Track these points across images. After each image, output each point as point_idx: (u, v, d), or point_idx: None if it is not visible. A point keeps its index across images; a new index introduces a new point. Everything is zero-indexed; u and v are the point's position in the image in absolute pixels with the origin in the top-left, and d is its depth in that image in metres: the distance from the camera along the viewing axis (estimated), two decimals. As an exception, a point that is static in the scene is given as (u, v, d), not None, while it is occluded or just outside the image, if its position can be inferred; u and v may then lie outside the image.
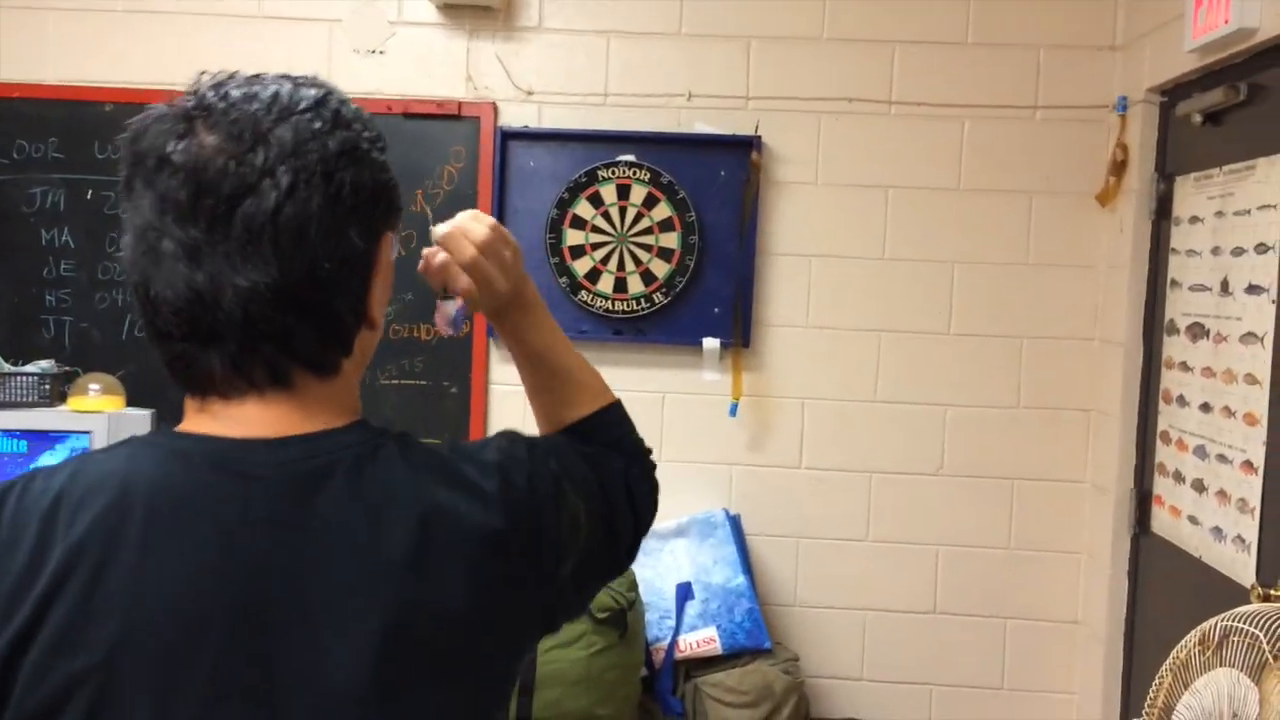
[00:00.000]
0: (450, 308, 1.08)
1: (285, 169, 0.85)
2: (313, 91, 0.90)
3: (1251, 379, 2.32)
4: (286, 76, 0.92)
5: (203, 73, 0.91)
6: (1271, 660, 1.35)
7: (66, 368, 3.03)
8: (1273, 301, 2.24)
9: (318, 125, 0.88)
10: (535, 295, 1.18)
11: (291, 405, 0.89)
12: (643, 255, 3.08)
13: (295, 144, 0.86)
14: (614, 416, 1.21)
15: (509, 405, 3.13)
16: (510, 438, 1.01)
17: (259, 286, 0.84)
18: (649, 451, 1.20)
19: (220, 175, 0.84)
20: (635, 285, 3.09)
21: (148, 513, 0.83)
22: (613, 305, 3.09)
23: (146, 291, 0.86)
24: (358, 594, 0.84)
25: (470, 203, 3.09)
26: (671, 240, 3.08)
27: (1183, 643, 1.54)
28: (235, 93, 0.88)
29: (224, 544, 0.83)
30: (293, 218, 0.85)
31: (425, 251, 1.08)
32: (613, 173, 3.07)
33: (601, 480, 1.07)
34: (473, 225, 1.07)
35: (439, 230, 1.08)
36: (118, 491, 0.84)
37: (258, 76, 0.91)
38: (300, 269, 0.85)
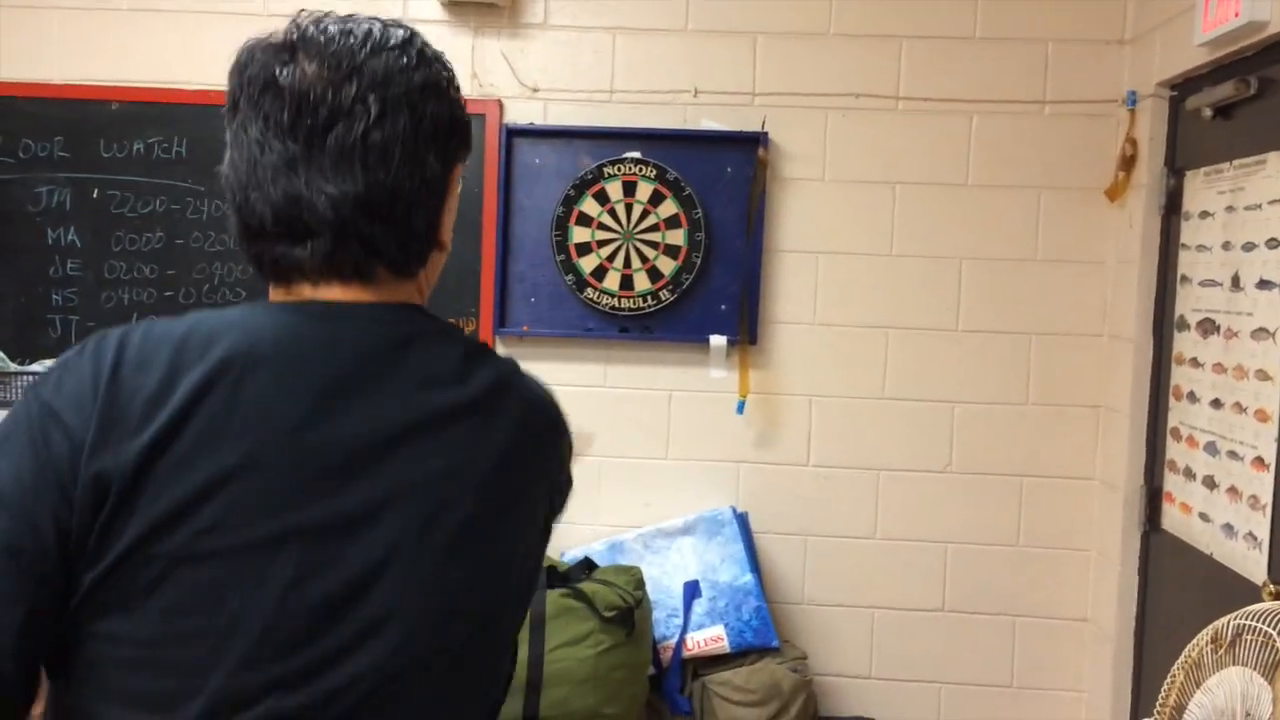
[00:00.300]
0: None
1: (375, 97, 0.97)
2: (401, 31, 1.02)
3: (1263, 375, 2.30)
4: (376, 18, 1.03)
5: (302, 10, 1.02)
6: (1285, 659, 1.34)
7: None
8: (1284, 297, 2.22)
9: (404, 61, 1.00)
10: None
11: (370, 290, 1.01)
12: (649, 252, 3.07)
13: (385, 75, 0.98)
14: None
15: (515, 403, 3.12)
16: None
17: (348, 195, 0.96)
18: None
19: (319, 100, 0.96)
20: (641, 282, 3.08)
21: (274, 348, 0.95)
22: (619, 303, 3.08)
23: (246, 199, 0.98)
24: (447, 440, 0.97)
25: (476, 200, 3.09)
26: (678, 237, 3.06)
27: (1195, 641, 1.52)
28: (333, 28, 1.00)
29: (338, 381, 0.95)
30: (379, 140, 0.97)
31: None
32: (619, 169, 3.06)
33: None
34: None
35: None
36: (244, 330, 0.95)
37: (352, 15, 1.02)
38: (385, 183, 0.98)
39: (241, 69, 1.00)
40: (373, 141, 0.97)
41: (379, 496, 0.94)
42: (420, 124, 0.99)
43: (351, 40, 0.98)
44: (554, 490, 1.10)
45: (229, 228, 1.03)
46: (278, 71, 0.97)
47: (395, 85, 0.98)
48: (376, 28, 1.01)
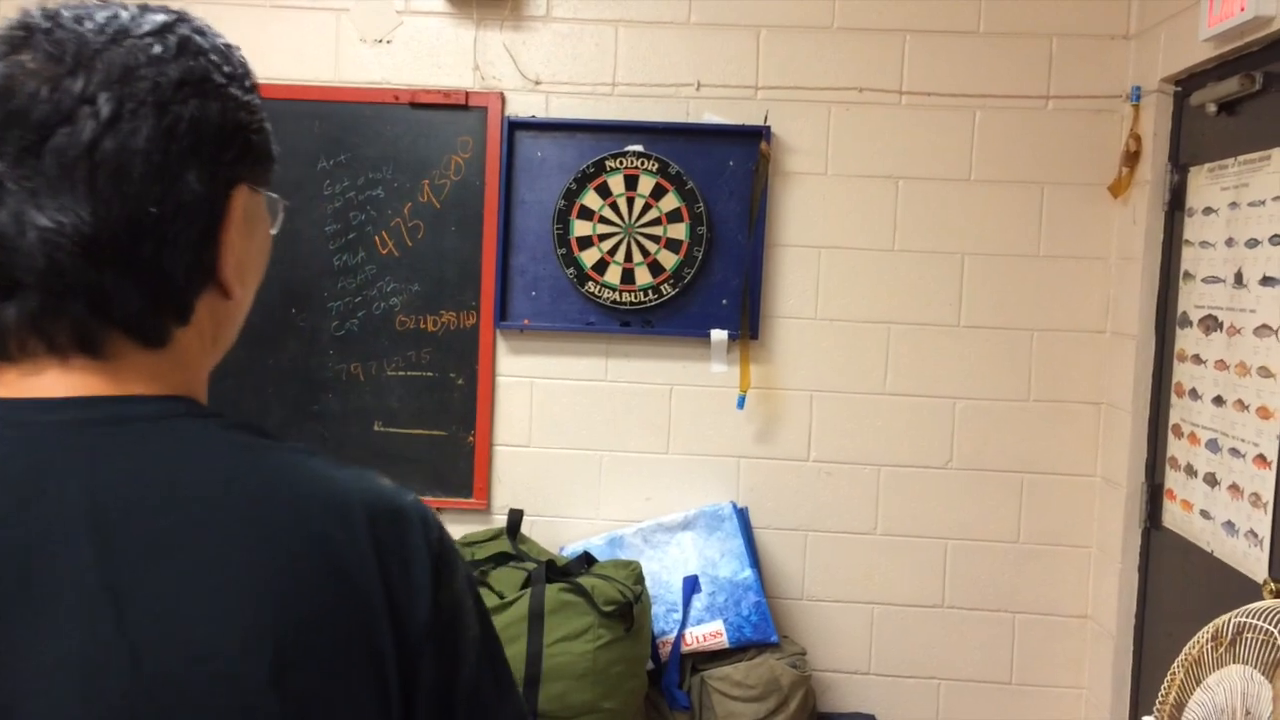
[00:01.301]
0: None
1: (108, 96, 0.73)
2: (160, 16, 0.78)
3: (1265, 372, 2.29)
4: (141, 2, 0.80)
5: None
6: (1285, 657, 1.33)
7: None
8: (1287, 294, 2.21)
9: (157, 50, 0.76)
10: None
11: (101, 373, 0.74)
12: (650, 246, 3.07)
13: (124, 69, 0.74)
14: None
15: (516, 396, 3.12)
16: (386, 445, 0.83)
17: (65, 229, 0.71)
18: None
19: (30, 100, 0.72)
20: (643, 276, 3.07)
21: None
22: (620, 297, 3.08)
23: None
24: (101, 595, 0.68)
25: (477, 193, 3.08)
26: (679, 231, 3.06)
27: (1195, 639, 1.52)
28: (66, 14, 0.76)
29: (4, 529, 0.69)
30: (112, 153, 0.73)
31: None
32: (621, 163, 3.05)
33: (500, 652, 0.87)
34: None
35: None
36: None
37: (105, 2, 0.79)
38: (119, 213, 0.73)
39: None
40: (103, 154, 0.72)
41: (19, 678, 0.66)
42: (174, 131, 0.75)
43: (86, 26, 0.75)
44: (409, 642, 0.74)
45: None
46: None
47: (139, 81, 0.74)
48: (126, 13, 0.78)
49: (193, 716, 0.67)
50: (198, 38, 0.79)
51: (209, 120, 0.77)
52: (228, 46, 0.82)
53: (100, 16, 0.76)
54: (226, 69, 0.80)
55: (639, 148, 3.05)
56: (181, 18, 0.80)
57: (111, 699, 0.66)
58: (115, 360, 0.75)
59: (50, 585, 0.67)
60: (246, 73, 0.83)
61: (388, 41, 3.10)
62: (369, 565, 0.73)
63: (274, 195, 0.86)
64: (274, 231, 0.87)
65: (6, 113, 0.73)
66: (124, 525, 0.69)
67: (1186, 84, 2.74)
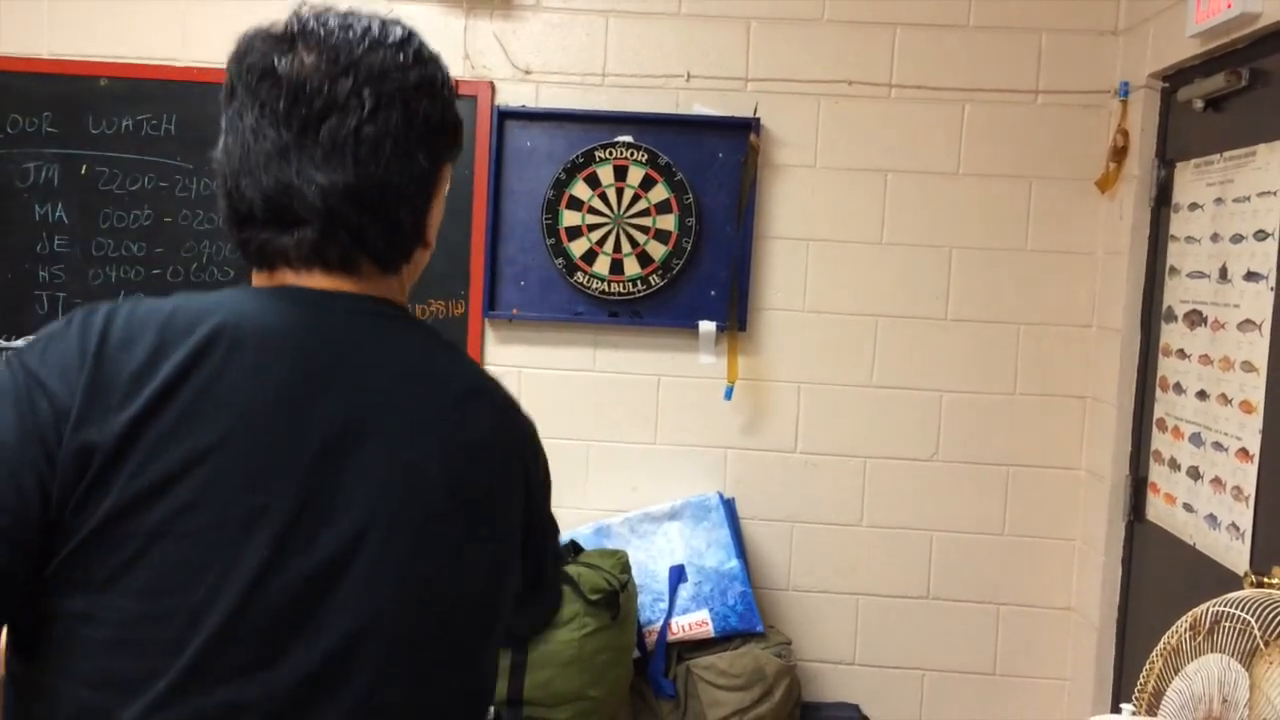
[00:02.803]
0: None
1: (370, 92, 0.99)
2: (399, 29, 1.04)
3: (1249, 366, 2.31)
4: (376, 14, 1.05)
5: (304, 3, 1.05)
6: (1263, 646, 1.34)
7: (59, 344, 3.02)
8: (1271, 289, 2.23)
9: (401, 58, 1.02)
10: None
11: (354, 282, 1.03)
12: (639, 237, 3.07)
13: (381, 71, 1.00)
14: None
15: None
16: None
17: (337, 185, 0.98)
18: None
19: (315, 91, 0.98)
20: (632, 267, 3.07)
21: (257, 331, 0.96)
22: (609, 287, 3.08)
23: (237, 185, 0.99)
24: (423, 431, 1.00)
25: (467, 183, 3.08)
26: (669, 222, 3.06)
27: (1174, 628, 1.53)
28: (333, 22, 1.02)
29: (317, 368, 0.97)
30: (372, 134, 0.99)
31: None
32: (610, 154, 3.05)
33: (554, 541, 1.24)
34: None
35: None
36: (228, 313, 0.97)
37: (352, 11, 1.04)
38: (374, 176, 0.99)
39: (241, 57, 1.02)
40: (365, 135, 0.98)
41: (351, 483, 0.95)
42: (412, 121, 1.01)
43: (351, 35, 1.00)
44: (530, 498, 1.10)
45: (218, 211, 1.04)
46: (276, 61, 0.99)
47: (390, 81, 1.00)
48: (376, 24, 1.02)
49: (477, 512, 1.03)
50: (424, 50, 1.05)
51: (434, 115, 1.03)
52: (439, 56, 1.07)
53: (359, 26, 1.01)
54: (442, 75, 1.06)
55: (628, 138, 3.05)
56: (413, 32, 1.05)
57: (420, 501, 0.98)
58: (365, 278, 1.03)
59: (364, 417, 0.98)
60: (449, 76, 1.08)
61: (378, 29, 3.09)
62: (530, 448, 1.12)
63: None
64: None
65: (295, 97, 0.98)
66: (397, 385, 1.00)
67: (1174, 80, 2.76)
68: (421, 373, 1.02)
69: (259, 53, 1.00)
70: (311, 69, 0.98)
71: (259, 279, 1.04)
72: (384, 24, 1.03)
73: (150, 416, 0.90)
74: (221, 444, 0.91)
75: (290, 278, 1.02)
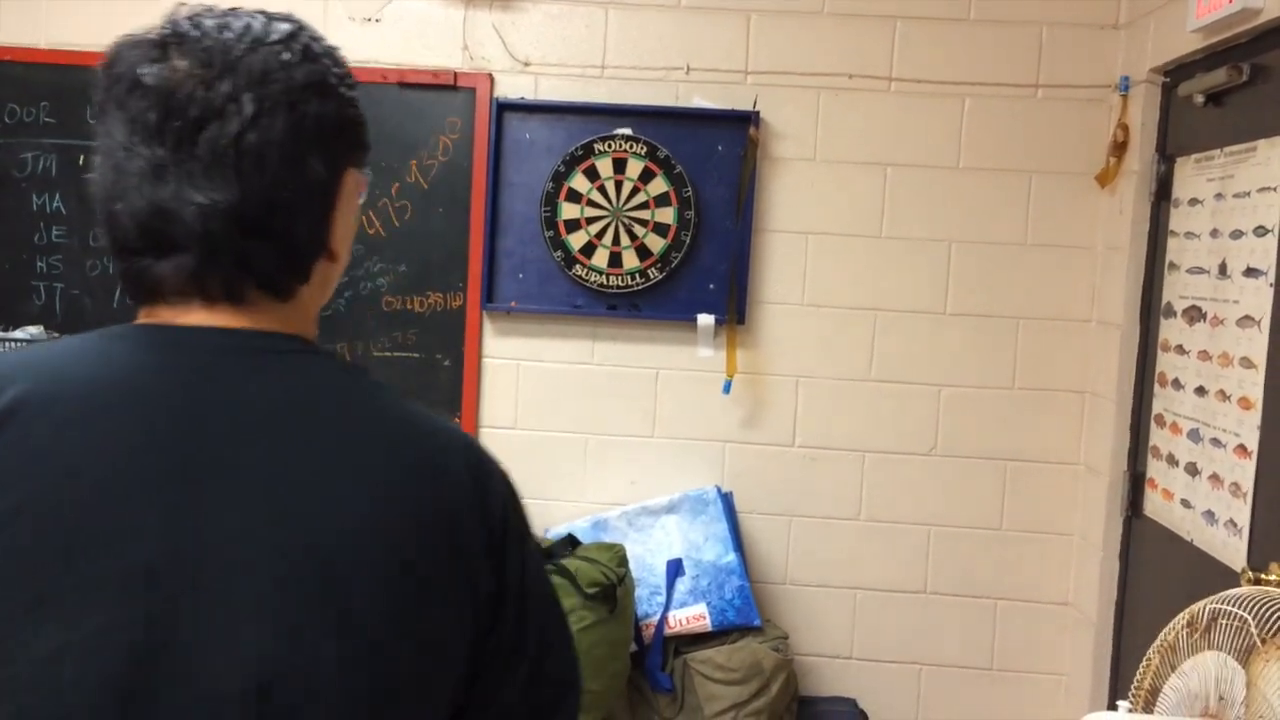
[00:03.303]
0: None
1: (250, 97, 0.88)
2: (285, 26, 0.94)
3: (1248, 363, 2.30)
4: (262, 11, 0.95)
5: (181, 3, 0.95)
6: (1260, 644, 1.34)
7: (55, 334, 3.02)
8: (1270, 285, 2.22)
9: (286, 57, 0.91)
10: None
11: (241, 315, 0.91)
12: (638, 230, 3.06)
13: (262, 73, 0.89)
14: None
15: (502, 378, 3.12)
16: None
17: (219, 205, 0.87)
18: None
19: (188, 99, 0.88)
20: (630, 260, 3.07)
21: (83, 384, 0.86)
22: (607, 280, 3.07)
23: (112, 207, 0.90)
24: (283, 492, 0.84)
25: (465, 175, 3.07)
26: (667, 215, 3.05)
27: (1171, 625, 1.53)
28: (209, 22, 0.92)
29: (151, 419, 0.85)
30: (255, 143, 0.88)
31: None
32: (609, 146, 3.05)
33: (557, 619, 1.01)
34: None
35: None
36: (41, 368, 0.87)
37: (235, 10, 0.94)
38: (260, 192, 0.88)
39: (109, 67, 0.91)
40: (247, 145, 0.88)
41: (199, 557, 0.81)
42: (301, 125, 0.90)
43: (228, 35, 0.90)
44: (474, 554, 0.89)
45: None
46: (145, 69, 0.89)
47: (273, 83, 0.89)
48: (258, 22, 0.93)
49: (339, 569, 0.84)
50: (314, 45, 0.94)
51: (328, 116, 0.93)
52: (334, 50, 0.97)
53: (237, 25, 0.91)
54: (337, 71, 0.95)
55: (628, 131, 3.05)
56: (301, 27, 0.95)
57: (291, 556, 0.82)
58: (254, 309, 0.91)
59: (229, 467, 0.83)
60: (348, 72, 0.98)
61: (376, 20, 3.08)
62: (464, 488, 0.91)
63: (365, 172, 1.01)
64: (361, 201, 1.02)
65: (167, 108, 0.87)
66: (275, 425, 0.86)
67: (1175, 74, 2.75)
68: (316, 419, 0.88)
69: (127, 61, 0.90)
70: (184, 76, 0.88)
71: (141, 317, 0.92)
72: (267, 20, 0.93)
73: None
74: (9, 517, 0.80)
75: (165, 314, 0.90)
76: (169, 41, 0.90)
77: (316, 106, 0.92)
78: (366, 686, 0.83)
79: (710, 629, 2.91)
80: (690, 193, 3.04)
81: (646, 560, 2.99)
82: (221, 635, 0.79)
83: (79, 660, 0.78)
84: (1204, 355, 2.50)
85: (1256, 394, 2.26)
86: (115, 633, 0.78)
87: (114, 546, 0.80)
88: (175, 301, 0.90)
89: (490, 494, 0.92)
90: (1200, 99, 2.56)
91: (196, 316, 0.90)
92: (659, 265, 3.06)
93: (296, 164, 0.90)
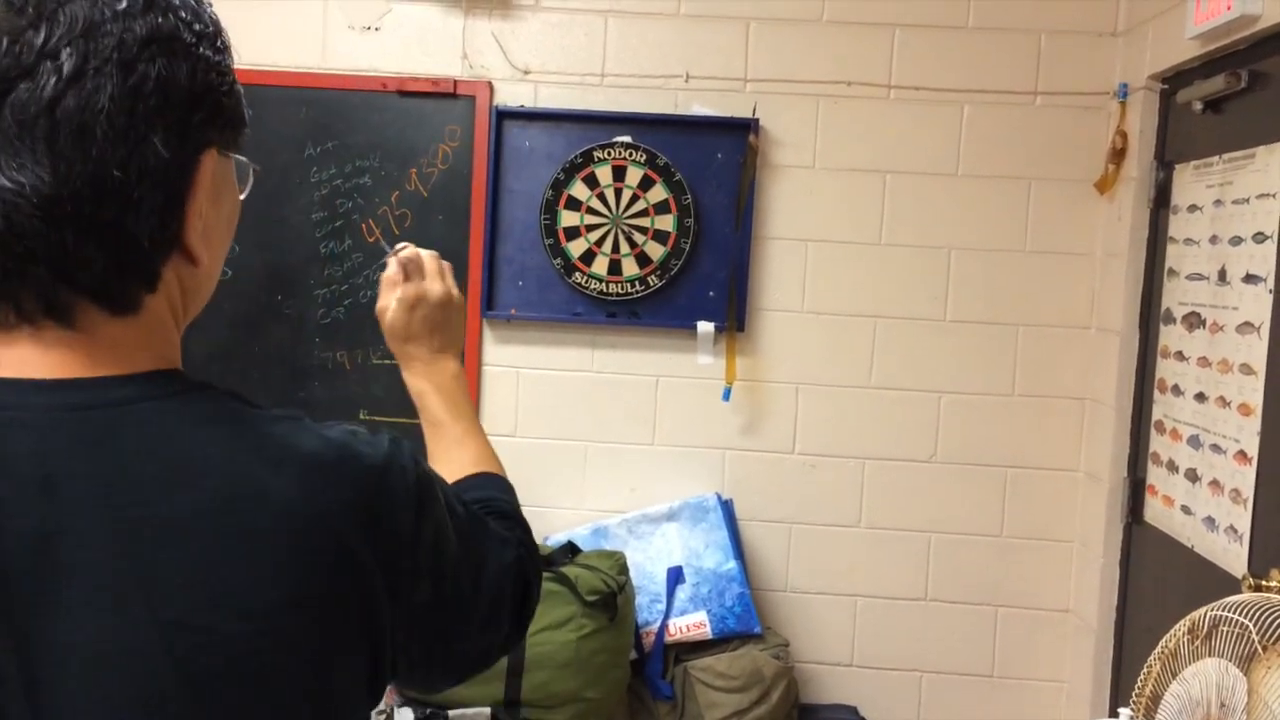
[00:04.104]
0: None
1: (71, 51, 0.69)
2: None
3: (1247, 369, 2.30)
4: None
5: None
6: (1261, 651, 1.34)
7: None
8: (1270, 291, 2.23)
9: (122, 5, 0.72)
10: (440, 363, 1.26)
11: (73, 345, 0.73)
12: (638, 237, 3.06)
13: (89, 23, 0.70)
14: (495, 484, 1.12)
15: (502, 385, 3.12)
16: (370, 427, 0.85)
17: (24, 190, 0.69)
18: (532, 544, 1.04)
19: None
20: (630, 268, 3.07)
21: None
22: (607, 288, 3.08)
23: None
24: (130, 585, 0.68)
25: (465, 183, 3.07)
26: (667, 223, 3.05)
27: (1172, 632, 1.53)
28: None
29: None
30: (74, 111, 0.69)
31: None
32: (609, 154, 3.05)
33: (475, 527, 0.92)
34: (412, 280, 1.25)
35: (400, 250, 1.25)
36: None
37: None
38: (80, 174, 0.70)
39: None
40: (65, 111, 0.69)
41: (16, 672, 0.67)
42: (138, 91, 0.71)
43: None
44: (370, 569, 0.77)
45: None
46: None
47: (104, 36, 0.70)
48: None
49: (223, 687, 0.70)
50: None
51: (177, 81, 0.73)
52: (199, 3, 0.78)
53: None
54: (197, 27, 0.76)
55: (627, 139, 3.05)
56: None
57: (147, 682, 0.68)
58: (88, 332, 0.73)
59: (73, 572, 0.68)
60: (218, 31, 0.79)
61: (376, 28, 3.09)
62: (359, 526, 0.76)
63: (244, 159, 0.83)
64: (243, 196, 0.85)
65: None
66: (132, 509, 0.69)
67: (1173, 81, 2.75)
68: (168, 479, 0.71)
69: None
70: None
71: None
72: None
73: None
74: None
75: None
76: None
77: (161, 68, 0.72)
78: None
79: (711, 636, 2.91)
80: (690, 200, 3.04)
81: (647, 568, 2.99)
82: None
83: None
84: (1203, 361, 2.50)
85: (1256, 400, 2.26)
86: None
87: None
88: None
89: (380, 505, 0.78)
90: (1199, 106, 2.56)
91: (23, 352, 0.72)
92: (658, 272, 3.06)
93: (131, 139, 0.71)
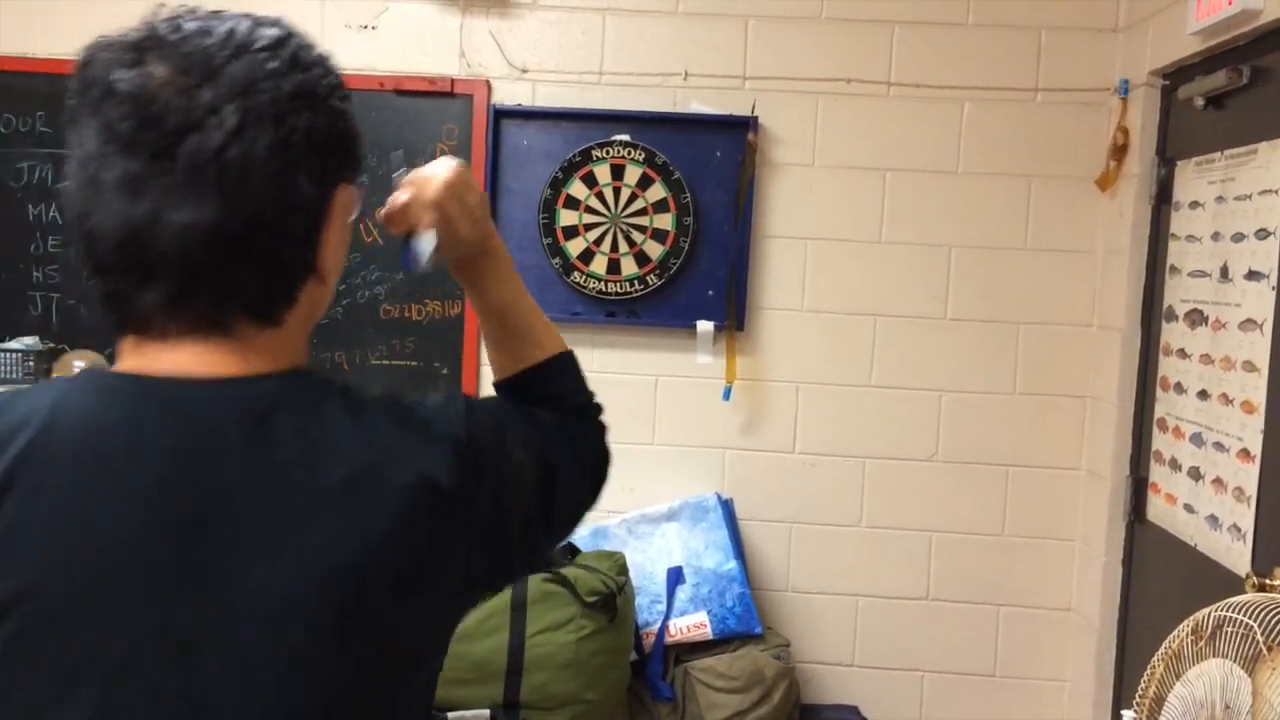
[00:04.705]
0: (424, 243, 1.07)
1: (233, 108, 0.82)
2: (272, 31, 0.87)
3: (1250, 366, 2.29)
4: (249, 15, 0.89)
5: (160, 4, 0.90)
6: (1266, 652, 1.33)
7: (52, 344, 3.00)
8: (1273, 288, 2.21)
9: (273, 65, 0.85)
10: (499, 246, 1.19)
11: (230, 350, 0.86)
12: (637, 236, 3.05)
13: (246, 82, 0.83)
14: (562, 364, 1.19)
15: (500, 387, 3.10)
16: (447, 394, 0.98)
17: (198, 225, 0.81)
18: (599, 409, 1.18)
19: (165, 109, 0.81)
20: (629, 267, 3.06)
21: (76, 447, 0.80)
22: (606, 287, 3.06)
23: (85, 224, 0.84)
24: (290, 540, 0.81)
25: (463, 181, 3.05)
26: (666, 221, 3.04)
27: (1175, 632, 1.51)
28: (190, 25, 0.85)
29: (153, 483, 0.80)
30: (238, 158, 0.82)
31: (390, 198, 1.08)
32: (607, 152, 3.03)
33: (543, 434, 1.05)
34: (437, 168, 1.09)
35: (404, 175, 1.10)
36: (45, 425, 0.81)
37: (219, 12, 0.88)
38: (241, 212, 0.82)
39: (82, 70, 0.85)
40: (229, 160, 0.81)
41: (208, 626, 0.79)
42: (289, 140, 0.84)
43: (210, 40, 0.84)
44: (485, 538, 0.92)
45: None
46: (119, 75, 0.82)
47: (259, 94, 0.83)
48: (243, 26, 0.86)
49: (372, 629, 0.83)
50: (304, 53, 0.88)
51: (318, 130, 0.86)
52: (326, 58, 0.91)
53: (220, 30, 0.85)
54: (327, 81, 0.89)
55: (625, 137, 3.03)
56: (290, 33, 0.89)
57: (292, 637, 0.80)
58: (241, 339, 0.86)
59: (236, 526, 0.80)
60: (340, 82, 0.92)
61: (373, 27, 3.08)
62: (460, 482, 0.89)
63: (363, 181, 0.91)
64: (352, 218, 0.95)
65: (142, 118, 0.81)
66: (289, 479, 0.82)
67: (1174, 77, 2.74)
68: (312, 461, 0.83)
69: (101, 65, 0.84)
70: (163, 83, 0.82)
71: (123, 351, 0.87)
72: (254, 25, 0.87)
73: None
74: (28, 591, 0.77)
75: (151, 348, 0.85)
76: (146, 45, 0.84)
77: (306, 119, 0.85)
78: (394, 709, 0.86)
79: (711, 637, 2.89)
80: (689, 199, 3.03)
81: (646, 568, 2.98)
82: (250, 694, 0.79)
83: None
84: (1206, 359, 2.48)
85: (1259, 398, 2.24)
86: (145, 703, 0.77)
87: (134, 616, 0.78)
88: (158, 334, 0.85)
89: (487, 460, 0.92)
90: (1200, 102, 2.54)
91: (184, 355, 0.85)
92: (657, 272, 3.05)
93: (282, 181, 0.84)
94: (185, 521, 0.80)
